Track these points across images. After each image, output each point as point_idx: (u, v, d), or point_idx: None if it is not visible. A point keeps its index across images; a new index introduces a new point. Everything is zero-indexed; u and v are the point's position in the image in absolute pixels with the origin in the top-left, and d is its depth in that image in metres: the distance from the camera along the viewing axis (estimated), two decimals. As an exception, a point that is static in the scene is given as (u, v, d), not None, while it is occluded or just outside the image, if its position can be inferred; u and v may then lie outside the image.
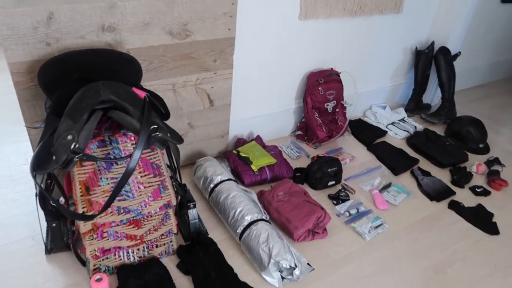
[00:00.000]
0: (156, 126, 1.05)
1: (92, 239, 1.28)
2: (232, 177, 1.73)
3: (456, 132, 2.36)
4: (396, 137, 2.36)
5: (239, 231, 1.51)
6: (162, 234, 1.42)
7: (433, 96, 2.72)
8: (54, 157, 0.97)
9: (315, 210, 1.59)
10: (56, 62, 1.20)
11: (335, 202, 1.81)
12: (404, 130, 2.38)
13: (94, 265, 1.35)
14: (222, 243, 1.56)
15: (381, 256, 1.58)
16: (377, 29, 2.24)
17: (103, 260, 1.35)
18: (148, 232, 1.38)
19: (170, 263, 1.45)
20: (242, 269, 1.46)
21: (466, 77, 3.00)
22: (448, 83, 2.49)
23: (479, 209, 1.86)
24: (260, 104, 2.08)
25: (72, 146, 0.95)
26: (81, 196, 1.19)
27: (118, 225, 1.29)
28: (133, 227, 1.34)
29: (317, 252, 1.57)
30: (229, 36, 1.65)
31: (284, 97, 2.15)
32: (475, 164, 2.12)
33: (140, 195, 1.28)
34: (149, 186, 1.28)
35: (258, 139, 2.06)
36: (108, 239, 1.31)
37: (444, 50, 2.46)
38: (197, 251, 1.47)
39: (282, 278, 1.41)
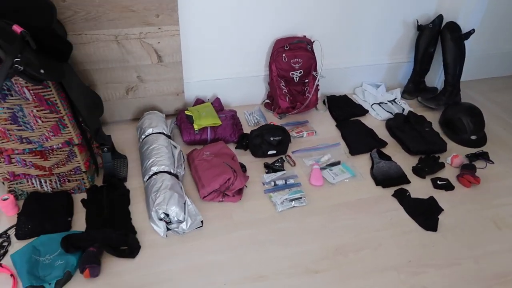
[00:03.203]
0: (19, 59, 1.14)
1: (1, 162, 1.45)
2: (167, 131, 1.78)
3: (448, 120, 2.09)
4: (377, 118, 2.17)
5: (145, 179, 1.57)
6: (71, 170, 1.54)
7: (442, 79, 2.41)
8: None
9: (225, 172, 1.57)
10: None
11: (267, 170, 1.76)
12: (388, 111, 2.17)
13: (9, 187, 1.53)
14: (137, 190, 1.63)
15: (286, 227, 1.52)
16: (365, -3, 2.05)
17: (16, 184, 1.52)
18: (56, 166, 1.51)
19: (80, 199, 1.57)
20: (141, 215, 1.53)
21: (497, 64, 2.61)
22: (453, 64, 2.19)
23: (428, 202, 1.66)
24: (224, 67, 2.07)
25: None
26: (-18, 121, 1.34)
27: (23, 153, 1.44)
28: (39, 158, 1.47)
29: (220, 213, 1.56)
30: (169, -10, 1.67)
31: (252, 63, 2.10)
32: (452, 155, 1.87)
33: (40, 128, 1.40)
34: (47, 121, 1.39)
35: (216, 102, 2.06)
36: (16, 165, 1.47)
37: (451, 26, 2.16)
38: (102, 190, 1.57)
39: (169, 229, 1.45)
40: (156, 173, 1.54)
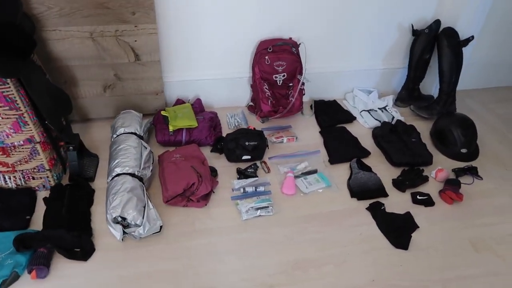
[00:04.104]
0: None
1: (-38, 158, 1.45)
2: (139, 132, 1.74)
3: (439, 131, 1.98)
4: (365, 125, 2.09)
5: (108, 180, 1.54)
6: (35, 168, 1.52)
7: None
8: None
9: (189, 177, 1.53)
10: None
11: (238, 176, 1.71)
12: (376, 119, 2.08)
13: (-27, 182, 1.52)
14: (104, 191, 1.59)
15: (249, 238, 1.46)
16: (356, -1, 1.97)
17: (-20, 179, 1.52)
18: (19, 163, 1.49)
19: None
20: (102, 217, 1.49)
21: (504, 73, 2.47)
22: (449, 72, 2.07)
23: (403, 218, 1.57)
24: (207, 67, 2.02)
25: None
26: None
27: (-16, 149, 1.43)
28: (2, 154, 1.46)
29: (183, 219, 1.52)
30: (144, -12, 1.63)
31: (236, 64, 2.05)
32: (436, 169, 1.77)
33: (0, 124, 1.39)
34: (7, 118, 1.38)
35: (197, 102, 2.02)
36: (-22, 160, 1.46)
37: (449, 32, 2.05)
38: (64, 189, 1.55)
39: (126, 233, 1.41)
40: (118, 175, 1.51)
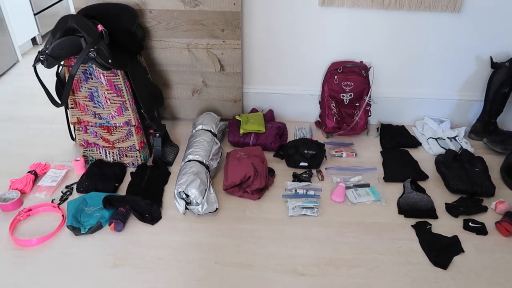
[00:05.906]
0: (93, 49, 1.51)
1: (80, 130, 1.86)
2: (214, 130, 2.03)
3: (509, 165, 1.91)
4: (430, 152, 2.09)
5: (181, 164, 1.83)
6: (128, 147, 1.88)
7: (521, 124, 2.21)
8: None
9: (247, 170, 1.74)
10: (87, 9, 1.79)
11: (293, 179, 1.87)
12: (442, 147, 2.08)
13: (84, 152, 1.93)
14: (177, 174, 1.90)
15: (290, 231, 1.61)
16: (430, 29, 2.03)
17: (89, 150, 1.92)
18: (117, 141, 1.86)
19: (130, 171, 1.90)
20: (172, 194, 1.78)
21: None
22: (529, 108, 2.00)
23: (449, 240, 1.57)
24: (281, 83, 2.25)
25: (41, 49, 1.52)
26: (70, 96, 1.76)
27: (94, 126, 1.83)
28: (106, 132, 1.85)
29: (237, 206, 1.72)
30: (234, 10, 1.94)
31: (309, 82, 2.24)
32: (497, 200, 1.72)
33: (108, 107, 1.77)
34: (114, 103, 1.76)
35: (269, 113, 2.25)
36: (90, 135, 1.86)
37: (531, 66, 1.99)
38: (147, 168, 1.87)
39: (187, 208, 1.66)
40: (190, 160, 1.78)
